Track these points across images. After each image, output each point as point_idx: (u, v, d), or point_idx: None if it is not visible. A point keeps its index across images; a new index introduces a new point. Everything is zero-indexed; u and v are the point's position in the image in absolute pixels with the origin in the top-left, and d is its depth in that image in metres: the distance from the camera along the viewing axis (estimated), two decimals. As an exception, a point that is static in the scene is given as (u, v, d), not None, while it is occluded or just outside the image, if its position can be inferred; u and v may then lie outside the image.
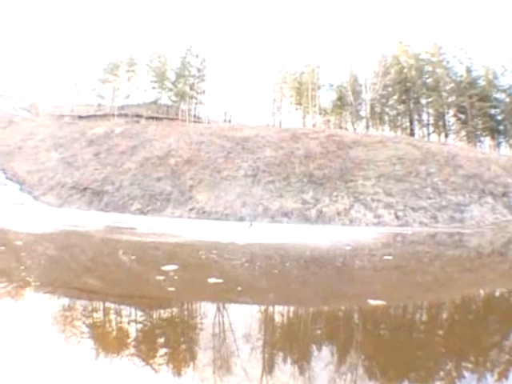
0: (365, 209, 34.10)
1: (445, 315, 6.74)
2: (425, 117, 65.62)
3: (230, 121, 68.87)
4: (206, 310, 6.73)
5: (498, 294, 8.92)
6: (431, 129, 64.83)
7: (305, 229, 27.09)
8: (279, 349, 5.04)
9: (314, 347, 5.03)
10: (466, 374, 4.16)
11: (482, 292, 9.03)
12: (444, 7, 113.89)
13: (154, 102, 74.25)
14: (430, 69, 64.22)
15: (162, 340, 5.18)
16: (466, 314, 6.72)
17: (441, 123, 62.84)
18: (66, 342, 4.69)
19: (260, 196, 36.87)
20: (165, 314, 6.37)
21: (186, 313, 6.75)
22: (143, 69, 76.07)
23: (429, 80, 64.25)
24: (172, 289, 7.64)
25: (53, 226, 21.49)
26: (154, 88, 74.47)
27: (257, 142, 46.17)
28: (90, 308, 6.24)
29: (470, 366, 4.27)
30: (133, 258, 12.32)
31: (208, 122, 65.08)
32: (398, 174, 38.08)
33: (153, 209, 37.68)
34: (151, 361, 4.40)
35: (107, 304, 6.60)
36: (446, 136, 61.40)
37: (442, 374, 4.27)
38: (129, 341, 4.93)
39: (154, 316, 6.18)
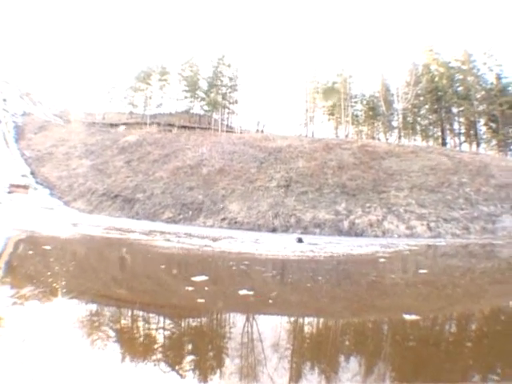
0: (397, 220, 34.00)
1: (476, 328, 6.71)
2: (456, 126, 64.92)
3: (262, 131, 68.82)
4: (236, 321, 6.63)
5: None
6: (463, 138, 64.21)
7: (346, 241, 26.26)
8: (307, 359, 5.03)
9: (343, 358, 5.01)
10: None
11: None
12: (473, 14, 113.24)
13: (187, 112, 74.39)
14: (461, 77, 63.54)
15: (189, 347, 5.24)
16: (497, 327, 6.63)
17: (472, 132, 61.92)
18: (91, 348, 4.74)
19: (293, 207, 36.85)
20: (193, 323, 6.41)
21: (214, 322, 6.74)
22: (175, 78, 76.75)
23: (459, 88, 63.49)
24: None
25: (83, 231, 21.79)
26: (186, 97, 74.81)
27: (289, 152, 46.24)
28: (117, 315, 6.35)
29: (497, 378, 4.22)
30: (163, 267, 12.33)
31: (240, 132, 65.09)
32: (430, 184, 37.92)
33: (184, 218, 37.84)
34: (178, 367, 4.41)
35: (135, 312, 6.68)
36: (478, 145, 60.61)
37: None
38: (156, 347, 5.01)
39: (183, 325, 6.24)
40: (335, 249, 19.27)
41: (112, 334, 5.31)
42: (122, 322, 5.96)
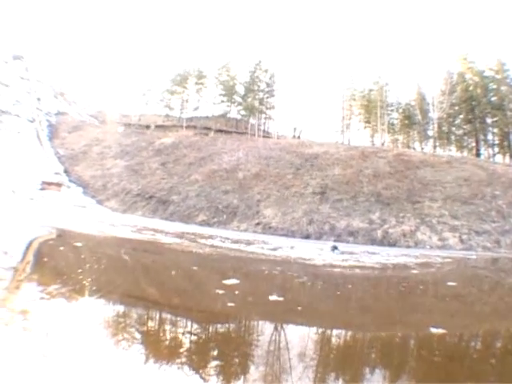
0: (430, 231, 34.13)
1: (502, 345, 6.81)
2: (490, 137, 64.36)
3: (299, 137, 69.34)
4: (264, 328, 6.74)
5: None
6: (496, 149, 63.66)
7: (380, 250, 26.58)
8: (332, 370, 5.20)
9: (368, 371, 5.12)
10: None
11: None
12: (506, 22, 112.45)
13: (223, 116, 74.97)
14: (495, 86, 63.12)
15: (215, 352, 5.32)
16: None
17: (505, 143, 61.48)
18: (115, 347, 4.99)
19: (327, 214, 37.24)
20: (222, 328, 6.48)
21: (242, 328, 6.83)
22: (212, 82, 77.37)
23: (493, 98, 63.07)
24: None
25: (118, 230, 22.51)
26: (222, 101, 75.39)
27: (325, 159, 46.75)
28: (145, 317, 6.45)
29: None
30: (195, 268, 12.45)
31: (277, 138, 65.51)
32: (463, 195, 38.10)
33: (218, 221, 38.36)
34: (202, 371, 4.56)
35: (163, 314, 6.84)
36: (511, 157, 60.25)
37: None
38: (181, 350, 5.13)
39: (210, 329, 6.31)
40: (370, 259, 19.97)
41: (138, 334, 5.63)
42: (149, 323, 6.30)
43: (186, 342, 5.54)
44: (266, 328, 6.79)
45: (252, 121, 72.73)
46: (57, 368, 4.01)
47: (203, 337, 6.00)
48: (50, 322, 5.40)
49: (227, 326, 6.70)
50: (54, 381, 3.77)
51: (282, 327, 6.74)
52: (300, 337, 6.41)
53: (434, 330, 6.62)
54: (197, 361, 4.89)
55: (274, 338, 6.12)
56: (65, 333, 5.11)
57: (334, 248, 23.17)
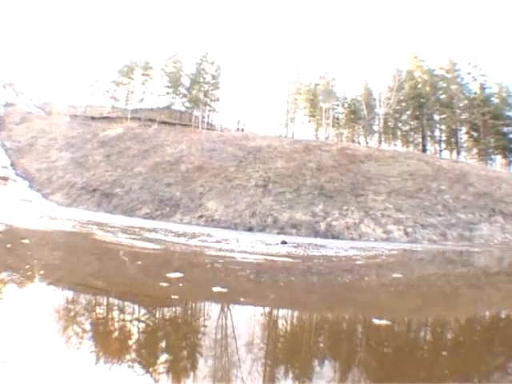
0: (374, 224, 33.90)
1: (449, 335, 6.49)
2: (437, 133, 65.50)
3: (242, 130, 68.91)
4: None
5: (504, 314, 8.52)
6: (443, 145, 64.85)
7: (328, 243, 25.79)
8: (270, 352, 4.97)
9: (316, 359, 4.89)
10: None
11: (487, 312, 8.54)
12: (459, 23, 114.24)
13: (168, 107, 74.11)
14: (444, 85, 64.18)
15: (161, 341, 5.16)
16: (470, 335, 6.48)
17: (453, 140, 62.59)
18: (63, 338, 4.70)
19: (270, 206, 36.72)
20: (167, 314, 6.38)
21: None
22: (158, 73, 76.30)
23: (442, 96, 64.10)
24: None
25: (62, 224, 21.31)
26: (168, 93, 74.39)
27: (269, 152, 46.24)
28: (89, 307, 6.09)
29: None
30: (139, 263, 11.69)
31: (221, 130, 65.19)
32: (408, 190, 38.03)
33: (161, 214, 37.62)
34: (147, 359, 4.35)
35: (109, 302, 6.62)
36: (458, 153, 61.13)
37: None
38: (126, 339, 4.95)
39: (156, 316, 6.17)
40: (322, 252, 19.01)
41: (84, 325, 5.20)
42: (95, 312, 5.82)
43: (131, 330, 5.28)
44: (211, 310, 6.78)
45: (196, 113, 72.20)
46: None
47: (148, 325, 5.72)
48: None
49: (173, 311, 6.60)
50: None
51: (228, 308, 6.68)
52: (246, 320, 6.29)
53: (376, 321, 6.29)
54: (143, 350, 4.65)
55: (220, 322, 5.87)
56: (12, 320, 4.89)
57: (284, 243, 22.34)
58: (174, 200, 39.20)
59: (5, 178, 43.78)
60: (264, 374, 4.22)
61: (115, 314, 5.93)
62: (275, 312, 7.24)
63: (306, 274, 12.39)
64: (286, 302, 8.23)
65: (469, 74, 62.54)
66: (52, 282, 7.15)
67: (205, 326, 5.85)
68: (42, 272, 7.50)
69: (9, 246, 11.71)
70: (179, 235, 22.01)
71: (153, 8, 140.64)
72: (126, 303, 6.60)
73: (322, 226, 34.23)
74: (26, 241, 12.17)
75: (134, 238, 17.31)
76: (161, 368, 4.18)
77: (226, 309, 6.57)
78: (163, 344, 5.06)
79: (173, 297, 7.11)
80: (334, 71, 72.09)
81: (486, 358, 5.06)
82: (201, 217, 36.68)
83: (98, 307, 6.11)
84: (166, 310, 6.53)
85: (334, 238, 32.18)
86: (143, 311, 6.21)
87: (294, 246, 20.65)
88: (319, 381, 4.15)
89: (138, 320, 5.74)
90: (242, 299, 7.69)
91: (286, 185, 39.62)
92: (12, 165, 48.57)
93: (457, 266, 19.77)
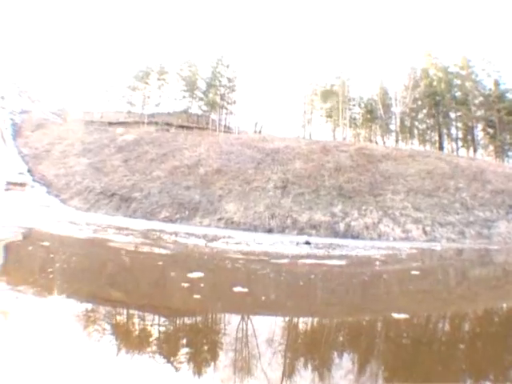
0: (393, 223, 34.06)
1: (467, 331, 6.73)
2: (454, 131, 65.18)
3: (260, 132, 68.93)
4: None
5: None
6: (460, 143, 64.52)
7: (351, 243, 26.45)
8: (300, 355, 5.13)
9: (336, 355, 5.10)
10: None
11: (505, 308, 8.86)
12: (473, 20, 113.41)
13: (185, 111, 74.41)
14: (459, 82, 63.99)
15: (184, 342, 5.29)
16: (488, 330, 6.64)
17: (469, 137, 62.40)
18: (87, 339, 4.92)
19: (289, 208, 36.81)
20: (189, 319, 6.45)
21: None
22: (174, 77, 76.59)
23: (458, 93, 63.94)
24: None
25: (80, 229, 21.66)
26: (184, 97, 74.84)
27: (287, 153, 46.31)
28: (114, 308, 6.41)
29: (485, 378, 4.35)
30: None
31: (238, 133, 65.04)
32: (426, 188, 38.11)
33: (181, 217, 37.73)
34: (171, 361, 4.52)
35: (131, 308, 6.72)
36: (475, 150, 60.90)
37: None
38: (151, 341, 5.14)
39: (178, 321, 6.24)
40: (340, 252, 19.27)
41: (108, 326, 5.39)
42: (118, 317, 6.02)
43: (155, 332, 5.48)
44: (232, 318, 6.72)
45: (213, 116, 72.42)
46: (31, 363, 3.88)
47: (171, 327, 5.96)
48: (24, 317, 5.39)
49: (194, 316, 6.66)
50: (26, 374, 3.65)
51: (248, 317, 6.61)
52: (267, 325, 6.37)
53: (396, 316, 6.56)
54: (167, 351, 4.81)
55: (241, 326, 6.06)
56: (38, 328, 5.01)
57: (307, 243, 22.69)
58: (193, 203, 39.18)
59: (23, 184, 44.04)
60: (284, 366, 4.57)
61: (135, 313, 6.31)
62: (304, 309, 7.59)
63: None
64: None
65: (483, 70, 62.29)
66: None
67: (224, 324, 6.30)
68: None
69: (30, 248, 12.23)
70: (200, 237, 22.42)
71: (167, 12, 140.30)
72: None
73: (342, 226, 34.39)
74: (46, 243, 12.67)
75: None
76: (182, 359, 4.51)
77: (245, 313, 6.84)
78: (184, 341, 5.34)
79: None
80: (350, 71, 71.06)
81: (502, 353, 5.30)
82: (220, 219, 36.78)
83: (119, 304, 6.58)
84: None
85: (353, 238, 32.30)
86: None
87: (318, 247, 20.96)
88: (341, 370, 4.47)
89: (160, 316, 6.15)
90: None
91: (304, 186, 39.69)
92: (29, 171, 48.77)
93: (475, 263, 19.96)
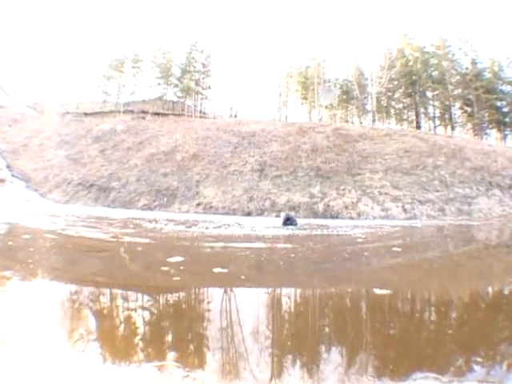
0: (372, 202, 33.95)
1: (451, 305, 6.08)
2: (431, 110, 65.56)
3: (235, 116, 68.81)
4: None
5: (509, 285, 8.35)
6: (437, 122, 64.87)
7: (332, 223, 25.77)
8: (282, 327, 4.89)
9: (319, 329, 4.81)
10: (473, 364, 3.80)
11: (490, 284, 8.09)
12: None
13: (160, 98, 74.11)
14: (436, 62, 64.18)
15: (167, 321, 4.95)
16: (474, 306, 6.11)
17: (447, 116, 62.80)
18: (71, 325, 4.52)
19: (267, 190, 36.76)
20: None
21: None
22: (148, 65, 76.00)
23: (434, 73, 64.22)
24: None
25: (61, 221, 21.13)
26: (159, 84, 74.60)
27: (263, 136, 46.26)
28: (96, 292, 6.01)
29: (476, 357, 3.93)
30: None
31: (214, 118, 65.10)
32: (405, 167, 38.09)
33: (159, 204, 37.67)
34: (156, 341, 4.19)
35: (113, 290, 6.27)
36: (453, 129, 61.38)
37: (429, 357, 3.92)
38: (134, 321, 4.77)
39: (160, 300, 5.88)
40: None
41: (91, 308, 5.21)
42: (101, 298, 5.74)
43: (137, 313, 5.13)
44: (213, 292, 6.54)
45: (188, 102, 72.59)
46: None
47: (153, 308, 5.53)
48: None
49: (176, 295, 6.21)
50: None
51: (231, 290, 6.44)
52: (249, 297, 6.17)
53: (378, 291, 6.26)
54: (150, 331, 4.54)
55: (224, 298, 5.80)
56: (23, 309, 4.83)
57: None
58: (171, 189, 39.17)
59: (2, 180, 43.74)
60: (271, 349, 4.11)
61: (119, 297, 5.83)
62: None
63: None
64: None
65: (460, 49, 62.52)
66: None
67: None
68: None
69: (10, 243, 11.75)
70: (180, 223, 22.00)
71: (139, 0, 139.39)
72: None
73: (320, 206, 34.30)
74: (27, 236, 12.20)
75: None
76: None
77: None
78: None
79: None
80: (325, 52, 71.21)
81: (491, 327, 4.91)
82: (199, 204, 36.72)
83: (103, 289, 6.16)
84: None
85: (332, 217, 32.21)
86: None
87: (300, 228, 20.52)
88: (327, 353, 4.04)
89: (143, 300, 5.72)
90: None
91: (282, 168, 39.67)
92: (8, 166, 48.28)
93: (456, 239, 19.72)
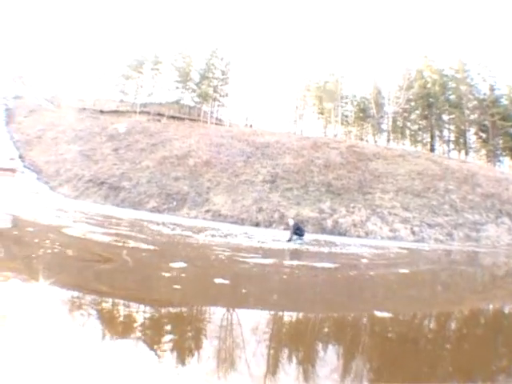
0: (381, 222, 33.88)
1: (452, 331, 6.65)
2: (446, 133, 65.41)
3: (251, 125, 69.15)
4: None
5: (508, 311, 8.77)
6: (452, 146, 64.68)
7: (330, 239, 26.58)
8: (283, 347, 5.21)
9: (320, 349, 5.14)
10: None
11: (491, 309, 8.88)
12: (470, 24, 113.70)
13: (177, 102, 74.36)
14: (454, 85, 64.10)
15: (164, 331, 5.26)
16: (474, 331, 6.65)
17: (461, 140, 62.58)
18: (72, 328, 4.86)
19: (277, 202, 36.65)
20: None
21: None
22: (168, 68, 76.27)
23: (452, 96, 64.05)
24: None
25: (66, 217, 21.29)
26: (177, 88, 74.63)
27: (277, 148, 46.24)
28: (97, 296, 6.40)
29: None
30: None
31: (229, 126, 65.17)
32: (416, 189, 38.00)
33: (169, 208, 37.55)
34: (154, 349, 4.57)
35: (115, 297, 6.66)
36: (467, 154, 61.15)
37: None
38: (133, 329, 5.14)
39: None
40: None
41: (91, 312, 5.43)
42: (103, 304, 6.03)
43: (138, 319, 5.54)
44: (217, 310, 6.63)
45: (205, 108, 72.67)
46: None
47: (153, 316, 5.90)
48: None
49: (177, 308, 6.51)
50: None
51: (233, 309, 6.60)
52: (252, 319, 6.31)
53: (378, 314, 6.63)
54: (149, 339, 4.88)
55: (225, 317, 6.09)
56: (23, 312, 5.04)
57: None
58: (181, 194, 39.06)
59: (13, 170, 43.83)
60: (268, 359, 4.44)
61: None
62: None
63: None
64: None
65: (478, 74, 62.37)
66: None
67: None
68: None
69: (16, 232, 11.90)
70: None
71: (163, 2, 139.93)
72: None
73: (329, 222, 34.13)
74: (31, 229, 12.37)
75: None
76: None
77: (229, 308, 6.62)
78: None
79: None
80: (344, 69, 71.33)
81: (486, 351, 5.25)
82: (207, 211, 36.60)
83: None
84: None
85: (340, 234, 32.17)
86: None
87: (308, 243, 20.48)
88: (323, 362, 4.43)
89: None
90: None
91: (293, 181, 39.59)
92: (20, 157, 48.63)
93: (462, 265, 19.78)
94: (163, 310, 6.15)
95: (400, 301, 9.27)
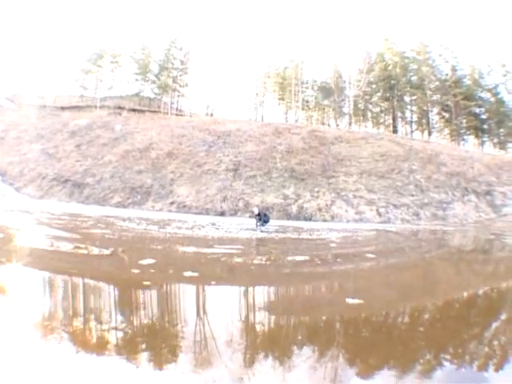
0: (346, 205, 33.98)
1: (424, 310, 6.15)
2: (408, 114, 66.11)
3: (212, 114, 68.93)
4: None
5: (480, 290, 8.20)
6: (414, 126, 65.36)
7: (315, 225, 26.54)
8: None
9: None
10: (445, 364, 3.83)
11: (463, 288, 8.35)
12: (431, 6, 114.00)
13: (137, 95, 73.51)
14: (415, 67, 64.58)
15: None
16: (447, 310, 6.19)
17: (424, 121, 63.32)
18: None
19: (241, 191, 36.71)
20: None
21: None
22: (127, 60, 75.50)
23: (413, 78, 64.61)
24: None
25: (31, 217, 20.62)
26: (136, 80, 73.99)
27: (238, 136, 46.12)
28: (62, 286, 6.23)
29: (448, 357, 3.97)
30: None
31: (190, 116, 64.86)
32: (380, 170, 38.13)
33: (133, 202, 37.47)
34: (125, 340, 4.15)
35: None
36: (430, 134, 61.87)
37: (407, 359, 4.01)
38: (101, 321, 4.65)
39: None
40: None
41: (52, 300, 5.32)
42: (68, 292, 5.88)
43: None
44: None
45: (165, 99, 71.99)
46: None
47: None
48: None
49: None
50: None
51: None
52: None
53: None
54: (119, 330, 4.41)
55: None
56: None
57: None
58: (145, 187, 39.04)
59: (-23, 175, 42.70)
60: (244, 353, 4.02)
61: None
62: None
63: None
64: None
65: (440, 55, 63.02)
66: None
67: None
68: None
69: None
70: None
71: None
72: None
73: (294, 208, 34.31)
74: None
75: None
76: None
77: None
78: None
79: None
80: (304, 54, 71.13)
81: (461, 328, 5.05)
82: (172, 203, 36.71)
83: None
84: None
85: (306, 220, 32.27)
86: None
87: (276, 231, 20.05)
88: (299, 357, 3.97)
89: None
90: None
91: (256, 168, 39.57)
92: (-16, 161, 47.43)
93: (430, 244, 19.50)
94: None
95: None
